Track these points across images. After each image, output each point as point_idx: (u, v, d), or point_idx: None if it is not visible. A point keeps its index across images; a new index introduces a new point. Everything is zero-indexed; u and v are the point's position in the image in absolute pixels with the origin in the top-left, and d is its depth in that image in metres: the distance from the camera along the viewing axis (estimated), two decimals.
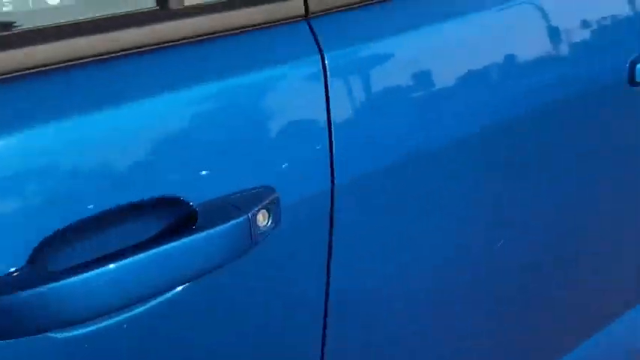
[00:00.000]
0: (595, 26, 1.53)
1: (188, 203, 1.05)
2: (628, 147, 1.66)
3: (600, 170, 1.63)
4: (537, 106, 1.43)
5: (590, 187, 1.62)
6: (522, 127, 1.42)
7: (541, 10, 1.45)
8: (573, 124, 1.53)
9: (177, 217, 1.04)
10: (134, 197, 1.01)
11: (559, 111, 1.47)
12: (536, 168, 1.49)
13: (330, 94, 1.17)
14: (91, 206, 0.98)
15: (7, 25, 0.99)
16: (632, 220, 1.79)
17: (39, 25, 1.00)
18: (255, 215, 1.08)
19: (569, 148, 1.54)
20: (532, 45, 1.43)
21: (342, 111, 1.18)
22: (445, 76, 1.30)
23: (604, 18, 1.54)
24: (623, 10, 1.57)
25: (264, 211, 1.09)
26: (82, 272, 0.94)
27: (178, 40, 1.08)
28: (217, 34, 1.11)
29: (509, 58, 1.38)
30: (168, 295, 1.04)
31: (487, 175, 1.40)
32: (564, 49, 1.47)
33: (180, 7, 1.09)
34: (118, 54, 1.03)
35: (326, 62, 1.17)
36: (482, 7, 1.36)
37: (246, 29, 1.13)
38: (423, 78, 1.26)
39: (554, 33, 1.46)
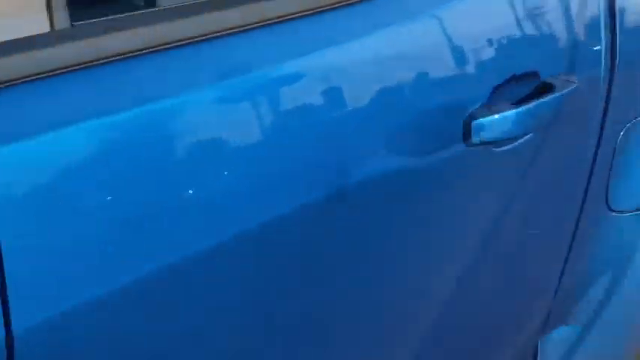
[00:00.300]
0: (431, 76, 1.23)
1: None
2: (468, 216, 1.34)
3: (443, 245, 1.33)
4: (365, 174, 1.16)
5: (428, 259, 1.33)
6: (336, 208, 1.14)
7: (375, 60, 1.17)
8: (408, 193, 1.24)
9: None
10: None
11: (389, 180, 1.19)
12: (370, 248, 1.22)
13: None
14: None
15: None
16: (493, 284, 1.50)
17: None
18: None
19: (405, 221, 1.25)
20: (361, 102, 1.15)
21: (14, 233, 0.88)
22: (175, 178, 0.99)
23: (440, 67, 1.23)
24: (461, 58, 1.24)
25: None
26: None
27: None
28: None
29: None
30: None
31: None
32: (395, 105, 1.18)
33: None
34: None
35: None
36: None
37: None
38: (121, 188, 0.95)
39: (389, 86, 1.17)
